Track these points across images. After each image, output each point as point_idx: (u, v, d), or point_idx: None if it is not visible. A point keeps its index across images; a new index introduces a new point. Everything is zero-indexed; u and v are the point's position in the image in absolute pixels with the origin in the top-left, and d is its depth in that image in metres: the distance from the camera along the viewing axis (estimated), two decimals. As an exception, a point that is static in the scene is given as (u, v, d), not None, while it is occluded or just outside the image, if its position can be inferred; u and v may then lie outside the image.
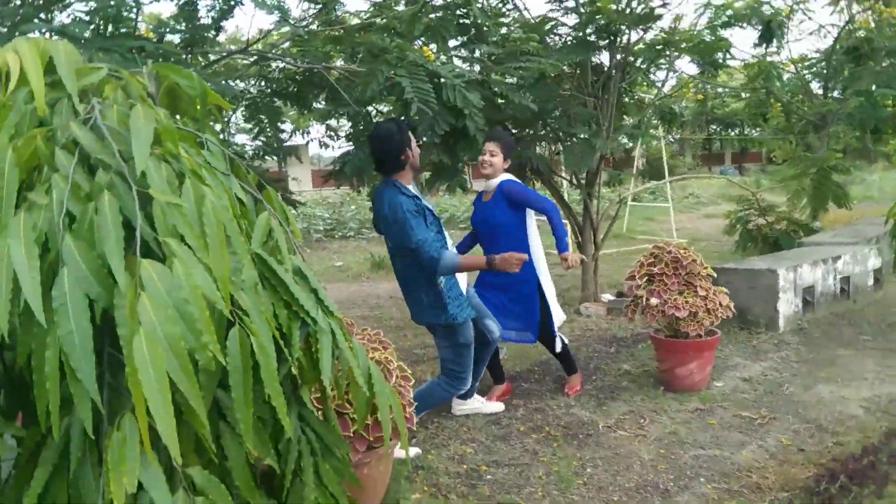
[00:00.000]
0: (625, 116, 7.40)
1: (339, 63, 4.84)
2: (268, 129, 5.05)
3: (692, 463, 3.22)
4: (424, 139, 4.31)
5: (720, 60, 8.28)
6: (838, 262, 5.82)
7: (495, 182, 3.97)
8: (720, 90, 12.41)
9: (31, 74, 1.14)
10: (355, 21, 4.92)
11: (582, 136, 5.91)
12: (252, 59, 4.28)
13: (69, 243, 1.08)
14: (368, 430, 2.47)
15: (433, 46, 4.32)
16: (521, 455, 3.36)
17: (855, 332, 5.28)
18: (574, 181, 7.03)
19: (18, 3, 2.89)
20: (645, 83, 7.54)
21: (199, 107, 1.44)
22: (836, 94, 9.92)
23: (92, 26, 3.12)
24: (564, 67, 5.23)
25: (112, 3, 3.08)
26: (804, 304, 5.51)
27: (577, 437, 3.56)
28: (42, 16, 3.00)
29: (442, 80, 3.98)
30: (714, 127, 39.81)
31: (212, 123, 1.63)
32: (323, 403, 1.74)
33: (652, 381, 4.34)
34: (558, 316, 4.13)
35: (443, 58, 4.25)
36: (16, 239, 1.05)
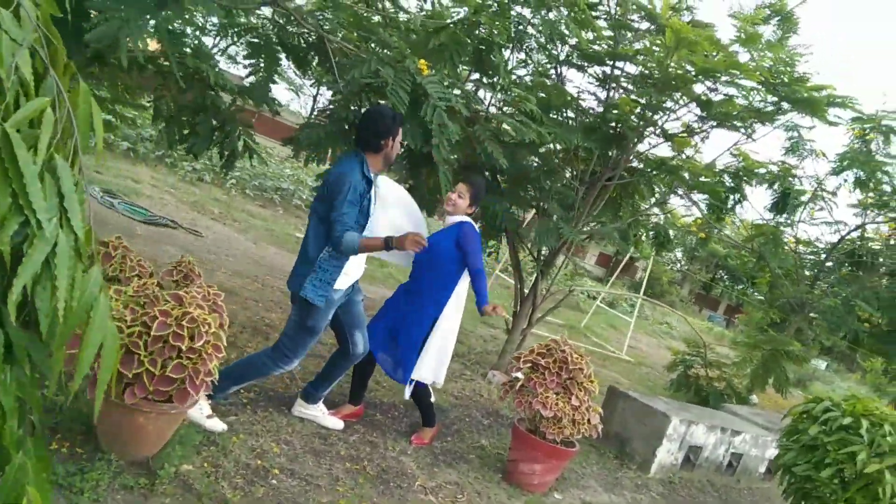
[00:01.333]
0: (617, 216, 7.40)
1: (339, 37, 4.80)
2: (262, 72, 4.99)
3: (475, 556, 3.11)
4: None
5: (725, 207, 8.35)
6: (737, 437, 5.74)
7: (455, 218, 4.02)
8: (724, 238, 12.46)
9: None
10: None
11: (554, 216, 5.87)
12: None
13: None
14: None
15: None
16: (321, 475, 3.25)
17: (719, 508, 5.18)
18: (533, 254, 6.99)
19: None
20: (642, 196, 7.50)
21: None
22: (824, 287, 9.95)
23: None
24: (547, 138, 5.19)
25: None
26: (685, 460, 5.41)
27: (387, 484, 3.44)
28: None
29: (426, 96, 3.95)
30: (721, 273, 40.17)
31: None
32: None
33: (498, 466, 4.23)
34: (429, 369, 3.99)
35: (445, 81, 4.20)
36: None
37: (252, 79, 4.88)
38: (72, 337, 1.50)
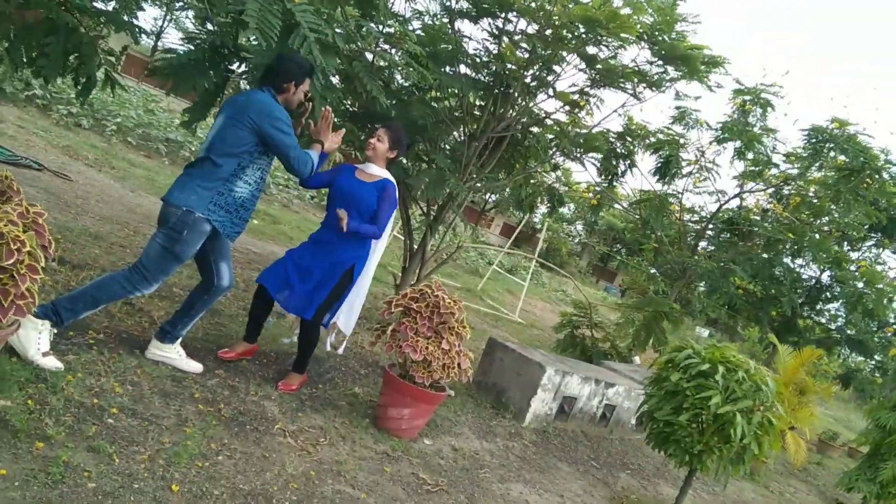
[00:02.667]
0: (510, 176, 7.41)
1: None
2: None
3: (329, 497, 3.01)
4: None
5: (616, 170, 8.55)
6: (610, 389, 5.92)
7: (377, 171, 4.01)
8: (615, 203, 12.85)
9: None
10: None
11: (441, 166, 5.80)
12: None
13: None
14: None
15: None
16: (167, 417, 3.05)
17: (589, 456, 5.32)
18: (422, 209, 6.91)
19: None
20: (534, 157, 7.54)
21: None
22: (703, 254, 10.42)
23: None
24: (430, 80, 5.08)
25: None
26: (560, 411, 5.53)
27: (243, 427, 3.28)
28: None
29: (298, 26, 3.73)
30: (619, 246, 41.70)
31: None
32: None
33: (368, 412, 4.15)
34: (343, 320, 4.11)
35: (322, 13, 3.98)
36: None
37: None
38: None
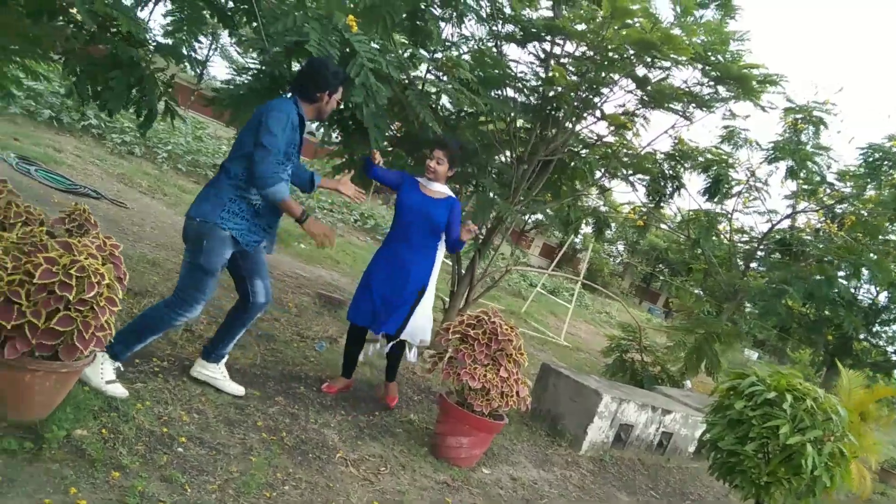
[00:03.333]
0: (558, 200, 7.35)
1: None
2: (184, 29, 4.73)
3: (393, 527, 2.98)
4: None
5: (664, 192, 8.43)
6: (667, 416, 5.78)
7: (442, 188, 4.17)
8: (661, 224, 12.65)
9: None
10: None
11: (490, 192, 5.79)
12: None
13: None
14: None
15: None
16: (233, 445, 3.06)
17: (648, 486, 5.19)
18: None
19: None
20: (582, 178, 7.48)
21: None
22: (755, 275, 10.18)
23: None
24: (482, 107, 5.10)
25: None
26: (616, 439, 5.41)
27: (305, 455, 3.28)
28: None
29: (355, 55, 3.78)
30: (661, 267, 41.02)
31: None
32: None
33: (426, 440, 4.11)
34: (420, 330, 4.18)
35: (371, 39, 4.04)
36: None
37: (173, 37, 4.63)
38: None
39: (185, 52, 4.49)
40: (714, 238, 9.60)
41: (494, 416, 3.97)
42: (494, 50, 6.32)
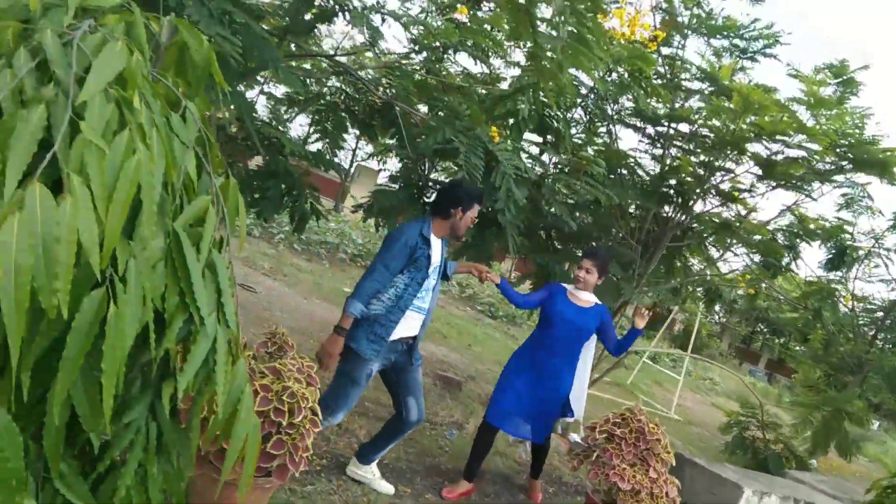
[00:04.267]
0: (672, 277, 7.31)
1: (423, 109, 4.92)
2: (329, 139, 5.12)
3: None
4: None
5: (781, 265, 8.20)
6: (811, 508, 5.50)
7: (590, 297, 4.22)
8: (776, 294, 12.21)
9: (34, -30, 1.14)
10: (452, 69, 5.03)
11: (614, 276, 5.83)
12: (334, 68, 4.37)
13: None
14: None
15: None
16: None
17: (796, 586, 4.93)
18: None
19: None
20: (699, 254, 7.42)
21: (198, 73, 1.42)
22: (883, 346, 9.64)
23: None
24: (615, 200, 5.20)
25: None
26: (758, 534, 5.18)
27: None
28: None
29: (497, 162, 4.00)
30: (761, 327, 39.16)
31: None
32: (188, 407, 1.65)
33: (570, 538, 4.10)
34: (575, 408, 4.29)
35: (508, 143, 4.26)
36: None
37: (319, 145, 5.02)
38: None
39: (328, 157, 4.86)
40: (836, 307, 9.20)
41: (644, 517, 3.91)
42: (604, 131, 6.46)
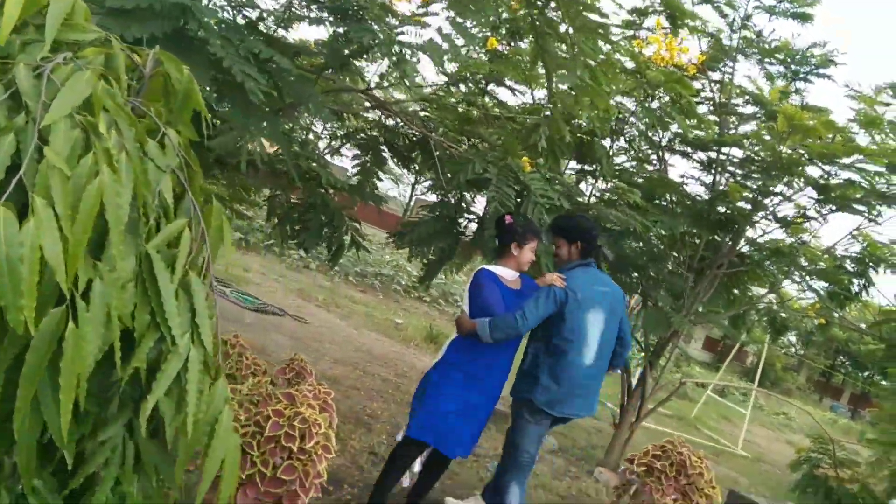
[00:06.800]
0: (732, 306, 7.04)
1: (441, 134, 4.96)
2: (368, 171, 5.21)
3: None
4: None
5: (849, 294, 7.79)
6: (881, 553, 5.12)
7: (513, 273, 3.97)
8: (849, 325, 11.58)
9: (10, 5, 1.21)
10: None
11: (662, 305, 5.67)
12: (372, 103, 4.46)
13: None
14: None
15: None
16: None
17: None
18: (640, 343, 6.72)
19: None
20: (762, 283, 7.11)
21: (178, 101, 1.48)
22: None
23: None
24: (654, 229, 5.06)
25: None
26: (822, 579, 4.86)
27: None
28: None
29: (529, 193, 3.98)
30: (842, 359, 37.23)
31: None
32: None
33: (611, 577, 3.93)
34: None
35: (540, 172, 4.23)
36: None
37: (358, 177, 5.11)
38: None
39: (372, 192, 4.95)
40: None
41: (687, 556, 3.73)
42: (654, 159, 6.34)
